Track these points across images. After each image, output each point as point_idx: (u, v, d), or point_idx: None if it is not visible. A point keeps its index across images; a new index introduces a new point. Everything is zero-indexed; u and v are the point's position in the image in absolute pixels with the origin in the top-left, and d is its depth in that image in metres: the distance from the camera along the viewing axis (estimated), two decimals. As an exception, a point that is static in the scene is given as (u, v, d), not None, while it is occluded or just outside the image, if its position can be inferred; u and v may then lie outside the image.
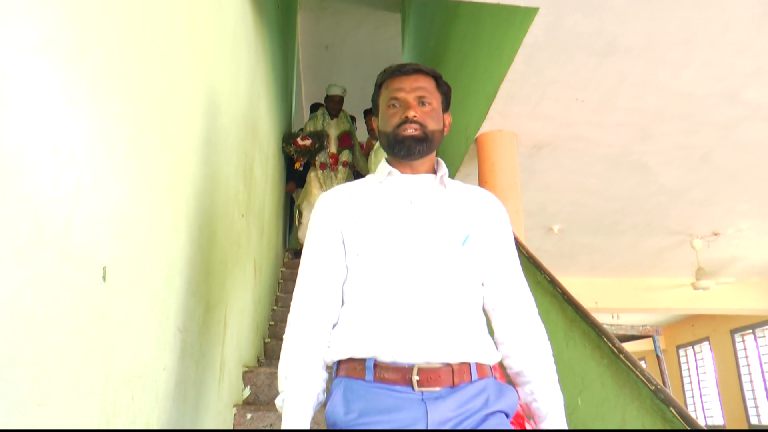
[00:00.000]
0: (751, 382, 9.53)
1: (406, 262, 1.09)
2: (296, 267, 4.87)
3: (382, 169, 1.19)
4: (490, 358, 1.09)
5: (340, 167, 4.58)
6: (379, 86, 1.23)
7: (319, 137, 4.53)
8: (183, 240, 1.36)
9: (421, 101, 1.17)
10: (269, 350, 3.28)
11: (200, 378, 1.56)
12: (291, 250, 5.05)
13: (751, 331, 9.65)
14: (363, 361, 1.04)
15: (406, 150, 1.14)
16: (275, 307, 3.93)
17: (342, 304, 1.14)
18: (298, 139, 4.46)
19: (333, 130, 4.73)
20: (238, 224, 2.26)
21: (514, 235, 1.27)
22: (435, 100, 1.19)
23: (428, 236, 1.11)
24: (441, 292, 1.08)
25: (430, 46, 5.24)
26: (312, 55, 7.91)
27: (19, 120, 0.67)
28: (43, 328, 0.72)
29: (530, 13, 2.65)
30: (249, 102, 2.60)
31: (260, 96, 3.05)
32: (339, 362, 1.09)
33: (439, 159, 1.24)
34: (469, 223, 1.16)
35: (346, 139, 4.69)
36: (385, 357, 1.03)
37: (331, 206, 1.19)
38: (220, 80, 1.88)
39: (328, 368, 1.13)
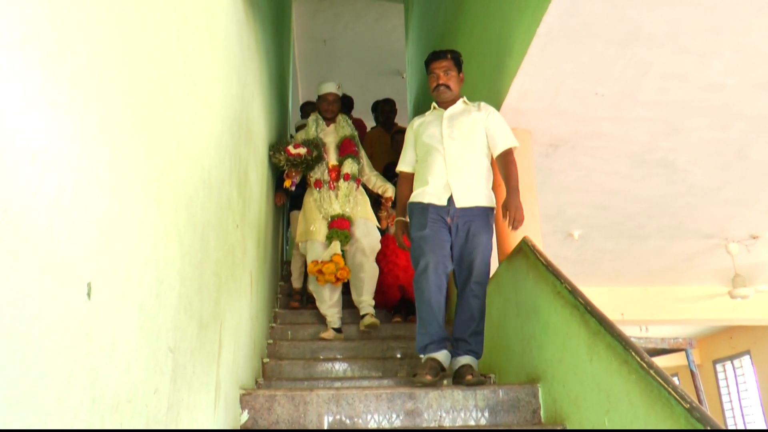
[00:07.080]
0: (798, 398, 9.44)
1: None
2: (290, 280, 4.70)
3: None
4: None
5: (341, 182, 3.90)
6: None
7: (316, 146, 3.92)
8: (173, 252, 1.37)
9: None
10: (268, 371, 3.27)
11: (194, 401, 1.56)
12: (288, 262, 5.00)
13: (796, 343, 9.57)
14: None
15: None
16: (273, 324, 3.93)
17: None
18: (290, 147, 3.84)
19: (331, 138, 4.09)
20: (233, 235, 2.26)
21: None
22: None
23: None
24: None
25: (435, 38, 5.25)
26: (308, 50, 7.94)
27: (-4, 125, 0.67)
28: (23, 348, 0.72)
29: (544, 0, 2.66)
30: (242, 102, 2.62)
31: (254, 96, 3.07)
32: None
33: None
34: None
35: (348, 146, 4.04)
36: None
37: None
38: (210, 79, 1.90)
39: None
